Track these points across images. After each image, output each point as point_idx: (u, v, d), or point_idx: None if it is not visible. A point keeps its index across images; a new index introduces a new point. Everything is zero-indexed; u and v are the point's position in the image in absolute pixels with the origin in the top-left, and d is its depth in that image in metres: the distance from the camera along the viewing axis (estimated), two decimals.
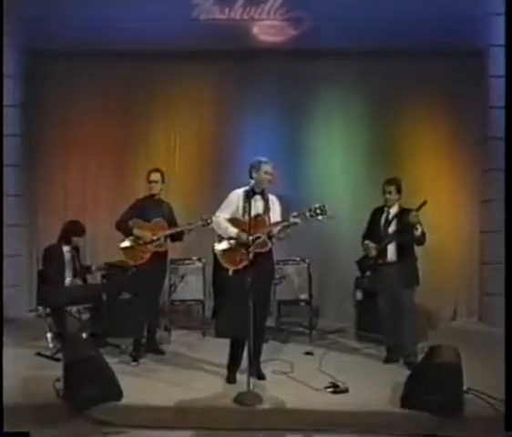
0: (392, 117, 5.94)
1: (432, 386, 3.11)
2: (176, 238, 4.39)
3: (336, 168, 6.09)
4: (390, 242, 4.06)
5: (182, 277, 5.09)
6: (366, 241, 4.14)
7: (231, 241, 3.62)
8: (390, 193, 4.11)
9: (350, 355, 4.46)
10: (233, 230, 3.60)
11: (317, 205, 3.52)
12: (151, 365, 4.12)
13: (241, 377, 3.55)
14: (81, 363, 3.15)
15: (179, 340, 4.92)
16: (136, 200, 4.41)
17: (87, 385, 3.11)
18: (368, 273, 4.27)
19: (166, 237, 4.29)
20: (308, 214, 3.51)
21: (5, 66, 5.06)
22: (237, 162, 5.73)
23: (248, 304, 3.23)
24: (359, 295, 4.95)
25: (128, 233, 4.22)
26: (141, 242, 4.18)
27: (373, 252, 4.06)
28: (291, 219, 3.51)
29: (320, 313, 5.53)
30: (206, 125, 6.18)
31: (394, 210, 4.13)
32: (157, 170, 4.37)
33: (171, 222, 4.40)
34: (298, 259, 5.16)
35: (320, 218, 3.51)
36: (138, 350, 4.19)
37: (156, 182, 4.29)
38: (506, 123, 3.43)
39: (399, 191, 4.14)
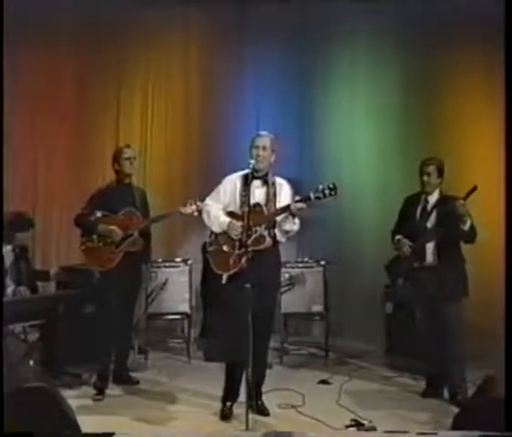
0: (432, 77, 5.76)
1: (486, 427, 3.00)
2: (145, 237, 4.34)
3: (359, 145, 6.04)
4: (429, 240, 3.97)
5: (163, 284, 5.07)
6: (398, 237, 4.08)
7: (224, 237, 3.61)
8: (429, 175, 4.01)
9: (378, 385, 4.43)
10: (226, 220, 3.61)
11: (325, 184, 3.43)
12: (122, 398, 4.10)
13: (239, 411, 3.53)
14: (26, 399, 3.03)
15: (157, 365, 4.91)
16: (99, 188, 4.41)
17: (36, 427, 2.99)
18: (401, 280, 4.20)
19: (141, 232, 4.26)
20: (313, 196, 3.43)
21: None
22: (233, 135, 5.71)
23: (246, 318, 3.21)
24: (389, 308, 4.90)
25: (91, 230, 4.19)
26: (109, 241, 4.16)
27: (408, 250, 4.01)
28: (293, 205, 3.45)
29: (339, 330, 5.51)
30: (192, 87, 6.15)
31: (433, 198, 4.06)
32: (128, 146, 4.40)
33: (146, 214, 4.40)
34: (311, 260, 5.14)
35: (328, 198, 3.44)
36: (104, 380, 4.16)
37: (129, 160, 4.28)
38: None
39: (441, 174, 4.06)
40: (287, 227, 3.56)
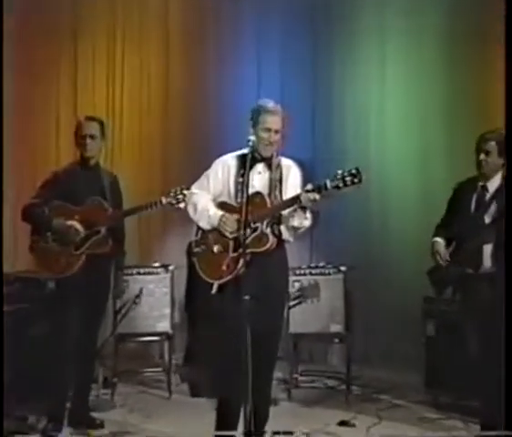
0: (486, 19, 5.59)
1: None
2: (117, 235, 4.36)
3: (390, 115, 6.02)
4: (488, 239, 3.86)
5: (137, 296, 5.04)
6: (436, 239, 4.04)
7: (215, 235, 3.57)
8: (488, 154, 3.89)
9: (416, 429, 4.37)
10: (217, 213, 3.56)
11: (345, 170, 3.30)
12: None
13: None
14: None
15: (128, 402, 4.89)
16: (55, 171, 4.39)
17: None
18: (448, 292, 4.13)
19: (110, 229, 4.25)
20: (330, 184, 3.30)
21: None
22: (228, 104, 5.83)
23: (244, 340, 3.12)
24: (431, 328, 4.83)
25: (43, 226, 4.18)
26: (67, 240, 4.15)
27: (444, 259, 3.96)
28: (304, 196, 3.33)
29: (364, 357, 5.53)
30: (175, 41, 6.18)
31: (494, 185, 3.94)
32: (92, 119, 4.38)
33: (118, 205, 4.39)
34: (328, 265, 5.11)
35: (350, 187, 3.30)
36: (57, 423, 4.12)
37: (91, 138, 4.24)
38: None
39: (503, 153, 3.92)
40: (296, 222, 3.45)
